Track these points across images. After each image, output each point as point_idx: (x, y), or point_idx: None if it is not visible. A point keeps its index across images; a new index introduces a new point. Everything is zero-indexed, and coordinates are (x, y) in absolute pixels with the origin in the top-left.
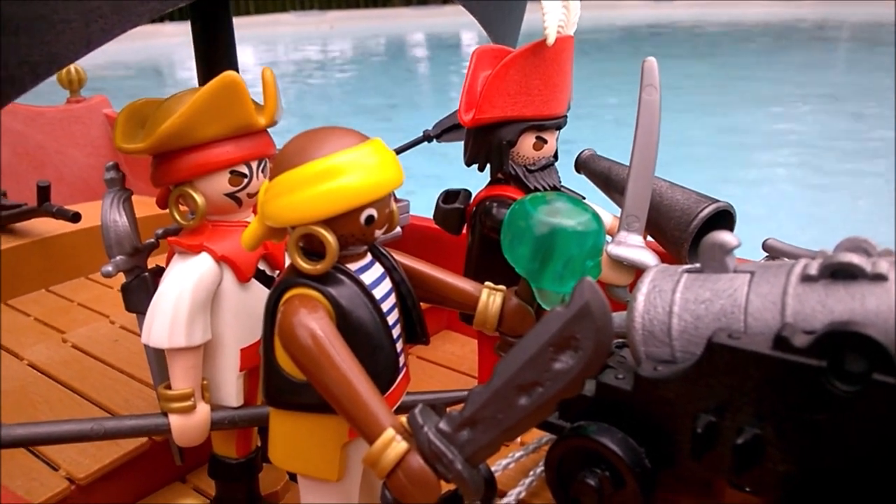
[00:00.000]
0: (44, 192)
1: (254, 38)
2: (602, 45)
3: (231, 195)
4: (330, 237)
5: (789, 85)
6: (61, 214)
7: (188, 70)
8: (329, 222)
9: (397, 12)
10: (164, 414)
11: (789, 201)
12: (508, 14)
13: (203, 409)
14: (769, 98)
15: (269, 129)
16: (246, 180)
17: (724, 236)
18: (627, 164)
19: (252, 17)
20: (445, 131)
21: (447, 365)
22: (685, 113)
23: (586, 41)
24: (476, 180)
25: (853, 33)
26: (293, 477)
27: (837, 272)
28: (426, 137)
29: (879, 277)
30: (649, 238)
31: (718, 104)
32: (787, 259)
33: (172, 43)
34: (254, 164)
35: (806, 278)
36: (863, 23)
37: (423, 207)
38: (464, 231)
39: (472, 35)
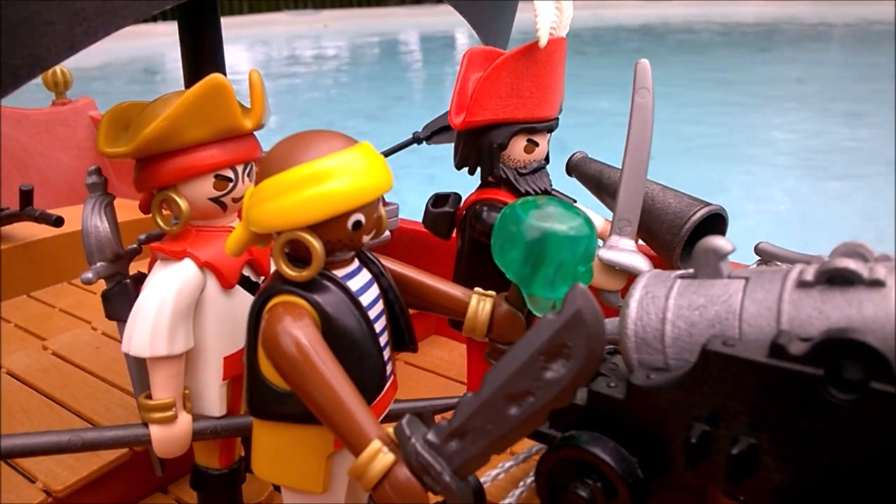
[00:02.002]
0: (26, 196)
1: (247, 38)
2: (594, 43)
3: (216, 200)
4: (316, 243)
5: (785, 84)
6: (44, 219)
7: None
8: (315, 228)
9: (391, 11)
10: (145, 424)
11: (784, 204)
12: (499, 15)
13: (185, 420)
14: (764, 97)
15: (256, 133)
16: (231, 184)
17: (718, 241)
18: (619, 167)
19: (246, 17)
20: (435, 133)
21: (435, 370)
22: (678, 114)
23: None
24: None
25: (849, 32)
26: (278, 488)
27: (834, 278)
28: (416, 139)
29: (877, 283)
30: (641, 242)
31: (713, 104)
32: (779, 263)
33: (164, 42)
34: (239, 168)
35: (802, 284)
36: (860, 22)
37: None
38: (453, 235)
39: (465, 34)
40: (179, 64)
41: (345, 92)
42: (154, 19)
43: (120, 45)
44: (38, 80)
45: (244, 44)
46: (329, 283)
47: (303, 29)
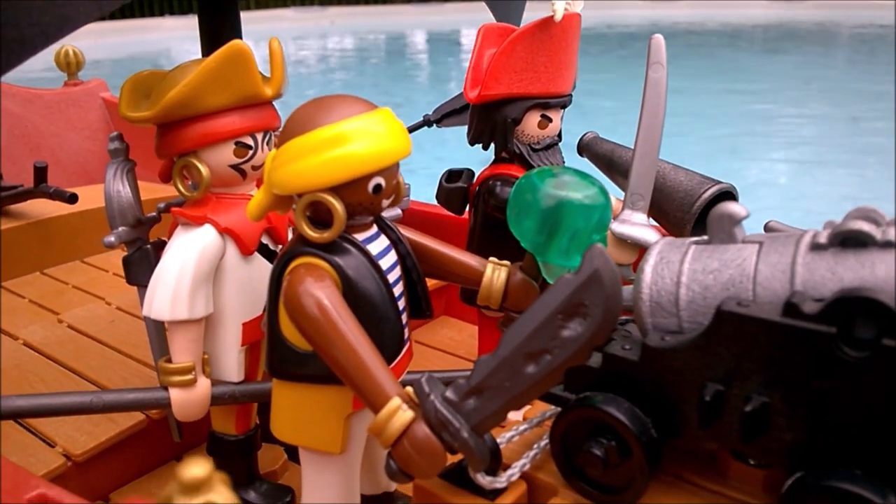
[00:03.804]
0: (41, 173)
1: (255, 34)
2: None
3: (236, 167)
4: (338, 204)
5: (787, 86)
6: (58, 195)
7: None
8: (337, 190)
9: (398, 9)
10: (165, 388)
11: (788, 204)
12: None
13: (204, 384)
14: (767, 100)
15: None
16: (251, 152)
17: (732, 207)
18: (630, 146)
19: (253, 13)
20: (446, 116)
21: (445, 349)
22: (682, 115)
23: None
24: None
25: (852, 35)
26: (292, 456)
27: (847, 240)
28: (426, 122)
29: (889, 245)
30: (652, 221)
31: (716, 105)
32: None
33: (172, 37)
34: (259, 136)
35: (815, 247)
36: (861, 25)
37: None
38: (466, 212)
39: (471, 32)
40: (186, 58)
41: (351, 88)
42: (162, 13)
43: (127, 40)
44: (51, 62)
45: (251, 39)
46: (349, 246)
47: (309, 25)
